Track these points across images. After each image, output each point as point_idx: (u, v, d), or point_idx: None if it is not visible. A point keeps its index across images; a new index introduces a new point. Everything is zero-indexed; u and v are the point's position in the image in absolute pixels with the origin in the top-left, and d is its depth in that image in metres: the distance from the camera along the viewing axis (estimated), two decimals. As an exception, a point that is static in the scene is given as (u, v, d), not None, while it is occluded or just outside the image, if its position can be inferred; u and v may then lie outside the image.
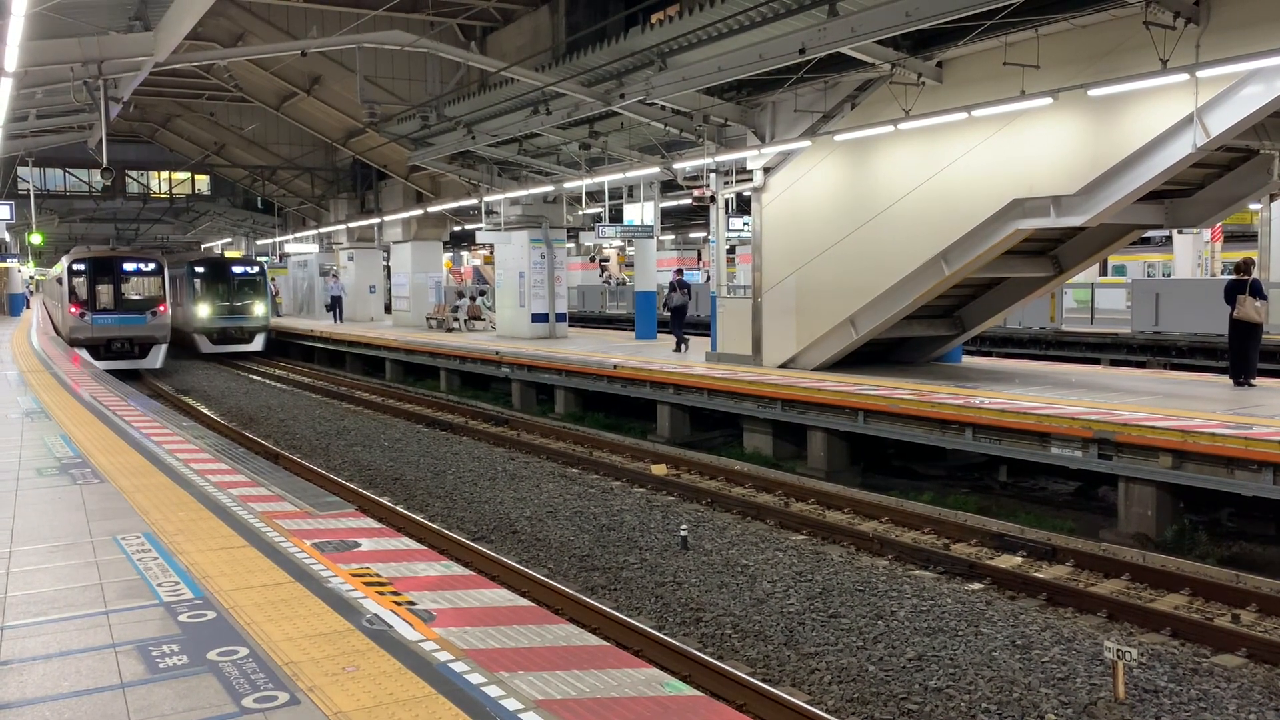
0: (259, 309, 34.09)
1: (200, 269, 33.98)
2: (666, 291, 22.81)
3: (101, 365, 23.47)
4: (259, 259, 37.96)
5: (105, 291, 27.34)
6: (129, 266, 27.96)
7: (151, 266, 28.42)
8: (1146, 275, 39.27)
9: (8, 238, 38.44)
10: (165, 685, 4.32)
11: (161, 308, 28.02)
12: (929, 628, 7.92)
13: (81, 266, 27.39)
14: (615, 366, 18.16)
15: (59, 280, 31.71)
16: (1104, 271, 39.28)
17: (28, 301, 54.20)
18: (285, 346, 37.07)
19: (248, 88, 33.72)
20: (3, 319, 45.35)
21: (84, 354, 25.17)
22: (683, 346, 21.29)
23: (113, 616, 5.22)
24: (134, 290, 27.82)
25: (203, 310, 33.40)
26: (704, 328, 32.80)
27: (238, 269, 34.61)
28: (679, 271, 24.03)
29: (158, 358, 28.08)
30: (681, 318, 22.31)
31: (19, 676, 4.45)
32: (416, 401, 22.27)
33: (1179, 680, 6.91)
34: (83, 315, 26.94)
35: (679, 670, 6.74)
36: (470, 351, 23.54)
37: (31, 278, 60.60)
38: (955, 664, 7.22)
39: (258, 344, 34.11)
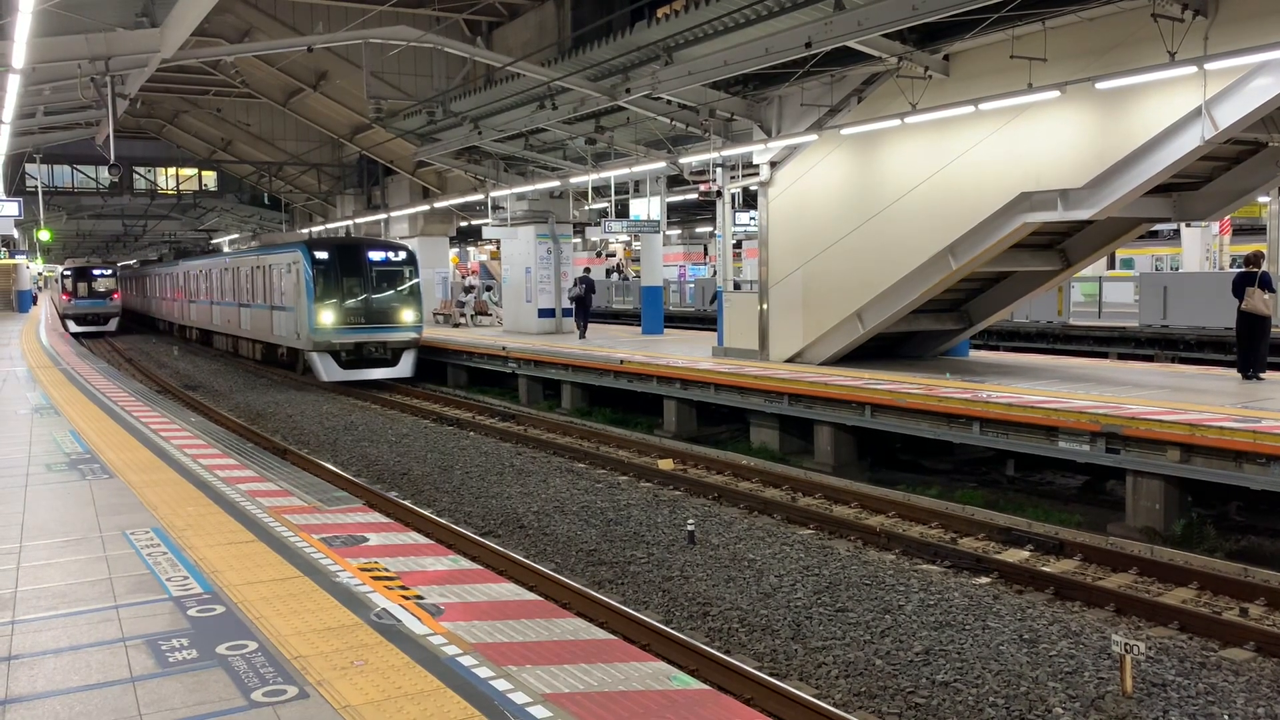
0: (409, 314, 23.54)
1: (321, 255, 23.29)
2: (571, 284, 25.84)
3: (78, 329, 43.26)
4: (401, 245, 25.68)
5: (83, 287, 46.49)
6: (95, 272, 47.79)
7: (109, 273, 48.62)
8: (1154, 269, 39.16)
9: (16, 234, 38.55)
10: (175, 679, 4.35)
11: (115, 295, 47.52)
12: (936, 622, 7.92)
13: (69, 271, 48.23)
14: (622, 361, 18.16)
15: (58, 279, 53.18)
16: (1111, 265, 39.14)
17: (35, 298, 54.98)
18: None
19: (254, 84, 33.78)
20: (11, 315, 45.49)
21: (70, 324, 43.38)
22: (583, 334, 24.55)
23: (122, 611, 5.25)
24: (99, 286, 46.89)
25: (325, 316, 22.61)
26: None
27: (377, 255, 23.88)
28: (586, 270, 27.54)
29: (114, 325, 47.07)
30: (582, 308, 24.88)
31: (30, 671, 4.47)
32: (423, 397, 22.31)
33: (1187, 674, 6.90)
34: (69, 300, 46.34)
35: (686, 664, 6.75)
36: (477, 347, 23.57)
37: (39, 274, 61.12)
38: (963, 658, 7.22)
39: (404, 367, 23.51)
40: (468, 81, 26.03)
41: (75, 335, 37.72)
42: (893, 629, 7.81)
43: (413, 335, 23.65)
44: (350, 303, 23.13)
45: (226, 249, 50.40)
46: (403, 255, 24.30)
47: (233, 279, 30.62)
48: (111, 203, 48.68)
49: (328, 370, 22.94)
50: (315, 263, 23.06)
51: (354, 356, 22.97)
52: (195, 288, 37.23)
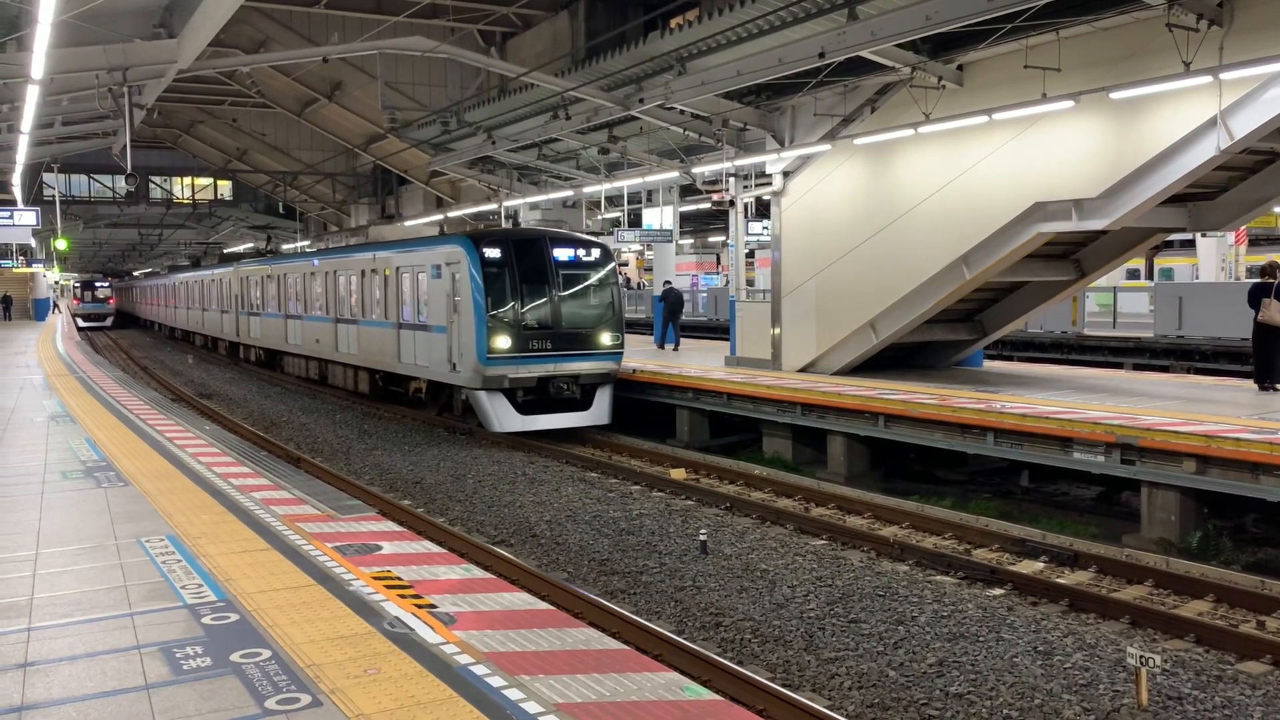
0: (607, 334, 17.12)
1: (494, 253, 16.61)
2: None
3: (84, 324, 57.91)
4: (597, 236, 20.29)
5: (88, 294, 65.14)
6: (97, 284, 66.51)
7: (107, 284, 67.99)
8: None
9: (34, 243, 38.83)
10: (189, 687, 4.36)
11: (111, 301, 65.99)
12: (950, 633, 7.89)
13: (78, 283, 67.98)
14: (635, 371, 18.16)
15: (71, 288, 72.54)
16: (1149, 275, 38.58)
17: (56, 305, 59.10)
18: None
19: (269, 94, 34.03)
20: (29, 324, 45.81)
21: (79, 321, 57.97)
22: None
23: (137, 618, 5.27)
24: (100, 294, 65.38)
25: (501, 340, 16.22)
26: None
27: (564, 252, 17.22)
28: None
29: (109, 322, 64.23)
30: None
31: (45, 677, 4.50)
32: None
33: (1203, 687, 6.85)
34: (80, 302, 64.86)
35: (699, 675, 6.73)
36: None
37: (56, 282, 63.84)
38: (976, 670, 7.18)
39: (600, 409, 17.06)
40: (481, 92, 26.18)
41: (81, 329, 50.09)
42: (906, 640, 7.77)
43: (611, 365, 17.07)
44: (532, 319, 16.52)
45: (303, 249, 40.20)
46: (596, 253, 17.54)
47: (324, 286, 23.91)
48: (128, 212, 49.11)
49: (501, 417, 16.25)
50: (486, 263, 16.32)
51: (534, 396, 16.50)
52: (258, 297, 30.03)
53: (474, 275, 16.31)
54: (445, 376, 17.61)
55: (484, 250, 16.48)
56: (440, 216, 31.64)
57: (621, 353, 17.35)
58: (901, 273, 15.28)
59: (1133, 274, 40.19)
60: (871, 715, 6.60)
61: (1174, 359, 22.30)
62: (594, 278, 17.37)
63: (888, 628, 8.04)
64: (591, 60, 19.19)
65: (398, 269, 19.56)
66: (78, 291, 65.92)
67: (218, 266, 36.60)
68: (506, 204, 26.66)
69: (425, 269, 18.22)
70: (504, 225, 23.83)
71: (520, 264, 16.65)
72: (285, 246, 45.01)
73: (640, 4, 23.54)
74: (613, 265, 17.78)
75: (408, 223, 34.04)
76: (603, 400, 17.03)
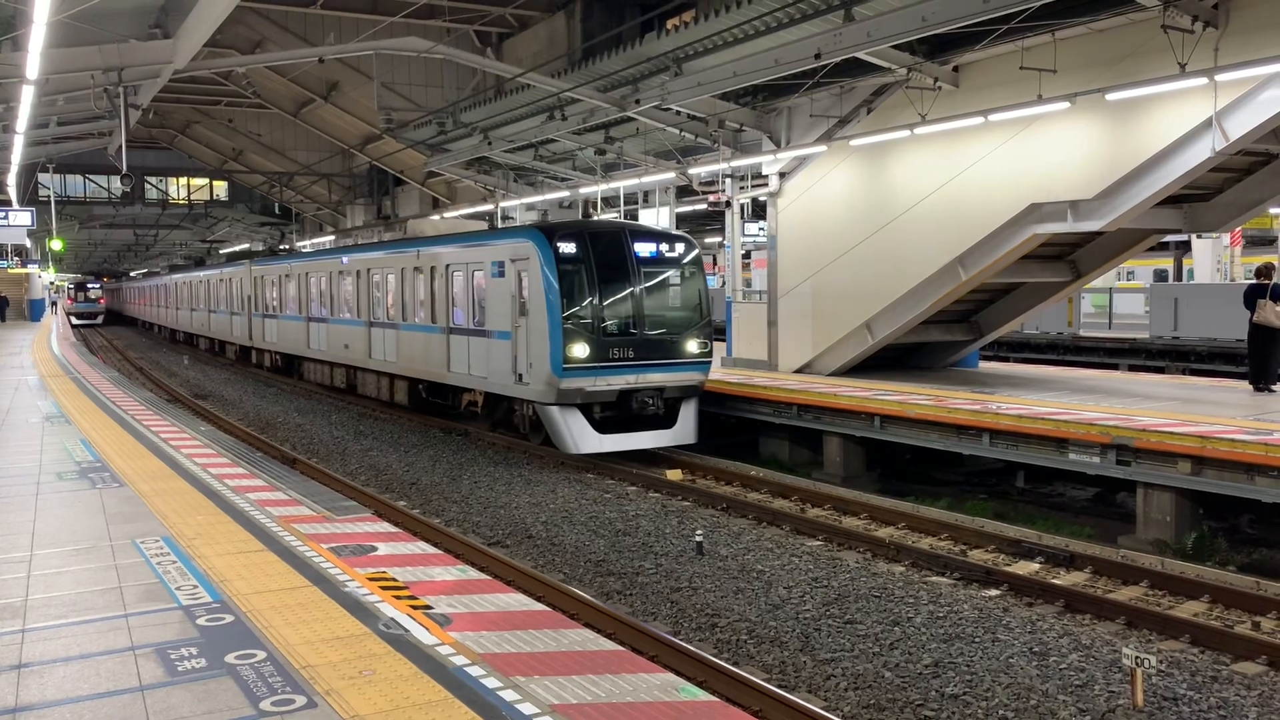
0: (693, 342, 14.95)
1: (569, 248, 14.46)
2: None
3: (78, 321, 62.98)
4: (679, 233, 16.74)
5: (81, 295, 72.70)
6: (89, 285, 75.57)
7: (98, 285, 76.59)
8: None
9: (29, 244, 38.79)
10: (184, 688, 4.35)
11: (101, 300, 74.34)
12: (946, 634, 7.89)
13: (71, 284, 75.25)
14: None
15: (64, 289, 75.40)
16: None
17: (54, 305, 60.56)
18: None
19: (266, 94, 33.98)
20: (24, 324, 45.74)
21: (73, 319, 61.09)
22: None
23: (132, 620, 5.26)
24: (91, 294, 73.51)
25: (579, 348, 14.13)
26: None
27: (646, 247, 15.00)
28: None
29: (100, 320, 72.05)
30: None
31: (40, 679, 4.49)
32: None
33: (1198, 688, 6.85)
34: (74, 301, 71.53)
35: (694, 675, 6.73)
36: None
37: (51, 283, 63.92)
38: (972, 671, 7.18)
39: (685, 427, 14.93)
40: (478, 92, 26.16)
41: (75, 326, 55.30)
42: (902, 641, 7.77)
43: (698, 375, 15.05)
44: (612, 324, 14.44)
45: (327, 244, 35.59)
46: (681, 247, 15.36)
47: (355, 286, 21.85)
48: (123, 212, 49.07)
49: (578, 436, 14.20)
50: (560, 260, 14.29)
51: (613, 412, 14.49)
52: (274, 298, 28.09)
53: (546, 274, 14.21)
54: (509, 389, 15.51)
55: (558, 245, 14.30)
56: (436, 217, 30.33)
57: (709, 362, 15.22)
58: (898, 274, 15.30)
59: (1127, 275, 40.21)
60: (867, 716, 6.61)
61: (1169, 360, 22.35)
62: (680, 276, 15.22)
63: (884, 628, 8.05)
64: (588, 61, 19.20)
65: (448, 267, 17.47)
66: (71, 292, 73.48)
67: (226, 265, 34.77)
68: (503, 204, 26.64)
69: (484, 266, 16.08)
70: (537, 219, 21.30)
71: (598, 261, 14.47)
72: (302, 243, 43.37)
73: (637, 5, 23.55)
74: (700, 262, 15.60)
75: (448, 214, 30.83)
76: (688, 416, 14.91)
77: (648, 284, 14.78)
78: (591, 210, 25.05)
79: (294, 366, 27.45)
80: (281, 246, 36.79)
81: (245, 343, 31.36)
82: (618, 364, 14.31)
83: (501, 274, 15.49)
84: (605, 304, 14.41)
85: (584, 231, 14.83)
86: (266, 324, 28.84)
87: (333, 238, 35.18)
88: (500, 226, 19.11)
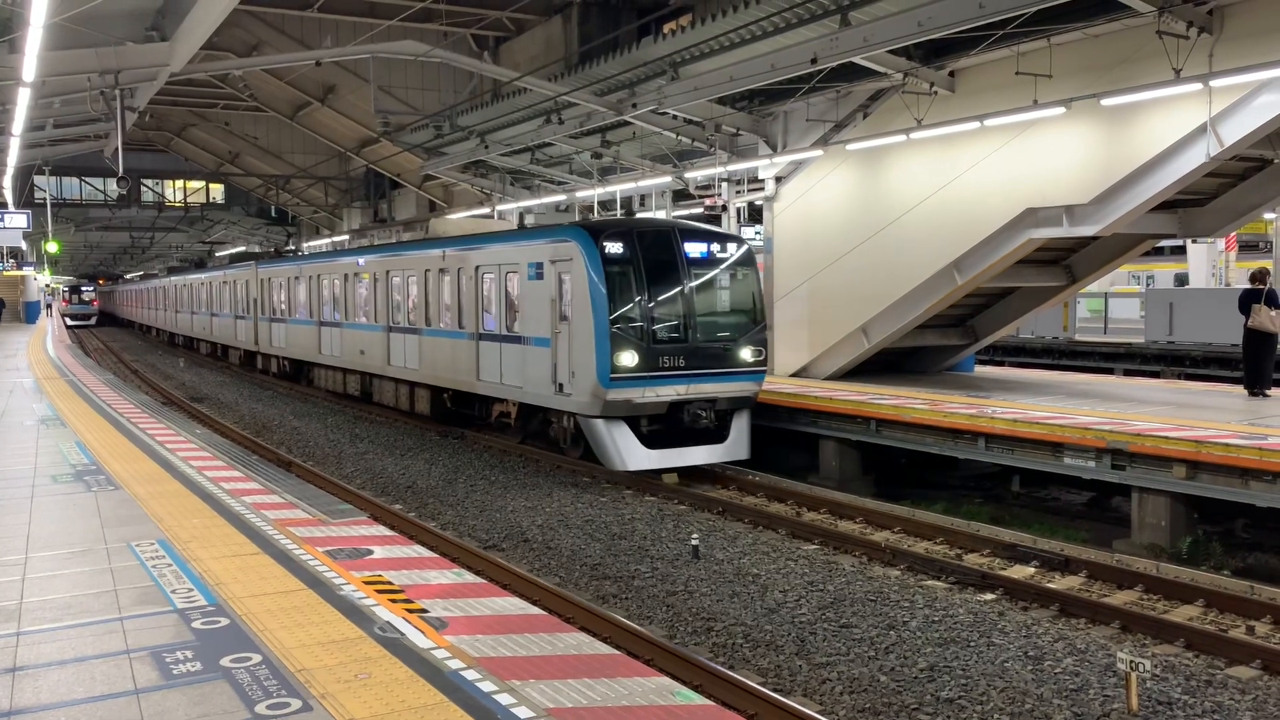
0: (748, 349, 13.92)
1: (616, 248, 13.45)
2: None
3: (72, 323, 67.52)
4: (731, 232, 16.67)
5: (74, 297, 74.98)
6: (83, 288, 77.10)
7: (91, 288, 78.36)
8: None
9: (24, 246, 38.73)
10: (179, 691, 4.35)
11: (94, 303, 76.01)
12: (941, 638, 7.90)
13: (66, 287, 79.05)
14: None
15: (60, 292, 79.27)
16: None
17: (49, 307, 61.64)
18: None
19: (262, 97, 33.99)
20: (19, 327, 45.67)
21: (67, 320, 67.05)
22: None
23: (127, 623, 5.26)
24: (85, 296, 75.52)
25: (627, 356, 13.10)
26: None
27: (696, 247, 13.98)
28: None
29: (94, 321, 73.85)
30: None
31: (34, 682, 4.48)
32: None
33: (1193, 692, 6.87)
34: (68, 304, 74.35)
35: (690, 679, 6.73)
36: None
37: (47, 285, 64.33)
38: (967, 675, 7.19)
39: (738, 441, 14.00)
40: (475, 96, 26.18)
41: (70, 326, 59.97)
42: (897, 645, 7.78)
43: (753, 386, 14.03)
44: (663, 331, 13.51)
45: (340, 244, 35.57)
46: (733, 248, 14.30)
47: (372, 289, 20.76)
48: (119, 215, 49.01)
49: (625, 451, 13.29)
50: (607, 261, 13.28)
51: (661, 425, 13.52)
52: (283, 301, 26.96)
53: (592, 276, 13.15)
54: (548, 400, 14.37)
55: (604, 245, 13.25)
56: (526, 204, 26.21)
57: (765, 371, 14.28)
58: (893, 278, 15.33)
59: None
60: (863, 720, 6.61)
61: (1165, 364, 22.39)
62: (733, 278, 14.20)
63: (879, 633, 8.05)
64: (585, 65, 19.23)
65: (477, 268, 16.24)
66: (66, 295, 77.58)
67: (230, 266, 33.58)
68: (500, 208, 26.65)
69: (519, 268, 14.96)
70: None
71: (647, 262, 13.46)
72: (313, 243, 41.59)
73: (634, 9, 23.61)
74: (754, 262, 14.58)
75: (463, 213, 29.74)
76: (741, 429, 13.94)
77: (699, 287, 13.85)
78: (587, 213, 25.04)
79: (303, 373, 26.45)
80: (288, 248, 35.77)
81: (250, 347, 30.19)
82: (668, 373, 13.35)
83: (540, 276, 14.39)
84: (655, 308, 13.45)
85: (631, 230, 13.82)
86: (274, 328, 27.81)
87: (333, 239, 34.34)
88: (533, 226, 18.12)
